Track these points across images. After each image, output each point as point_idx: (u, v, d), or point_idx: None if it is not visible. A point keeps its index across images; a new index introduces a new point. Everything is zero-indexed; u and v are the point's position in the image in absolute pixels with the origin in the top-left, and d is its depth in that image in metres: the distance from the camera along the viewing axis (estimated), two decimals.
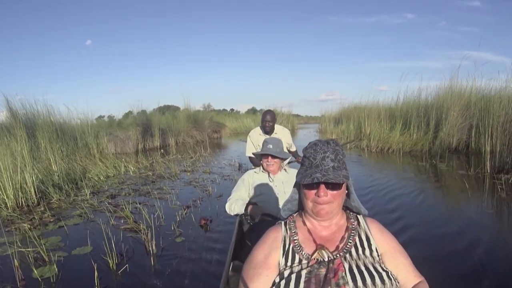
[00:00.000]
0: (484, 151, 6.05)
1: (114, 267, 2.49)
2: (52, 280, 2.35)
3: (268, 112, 3.50)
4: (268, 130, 3.46)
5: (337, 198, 0.95)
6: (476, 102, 7.65)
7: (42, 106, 8.76)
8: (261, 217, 2.02)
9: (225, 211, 2.23)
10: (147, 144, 11.91)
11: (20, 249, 2.76)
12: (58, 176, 5.41)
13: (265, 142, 2.28)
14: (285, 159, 2.51)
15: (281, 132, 3.57)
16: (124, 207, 3.95)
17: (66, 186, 5.08)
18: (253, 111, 33.50)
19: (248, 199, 2.24)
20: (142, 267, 2.53)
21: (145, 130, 11.97)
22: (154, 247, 2.77)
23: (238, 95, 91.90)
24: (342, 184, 0.95)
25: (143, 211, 3.64)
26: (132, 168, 6.90)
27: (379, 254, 0.95)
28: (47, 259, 2.64)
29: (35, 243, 2.83)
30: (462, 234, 2.95)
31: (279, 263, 0.94)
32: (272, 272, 0.93)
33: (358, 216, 1.04)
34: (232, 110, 35.86)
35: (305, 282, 0.87)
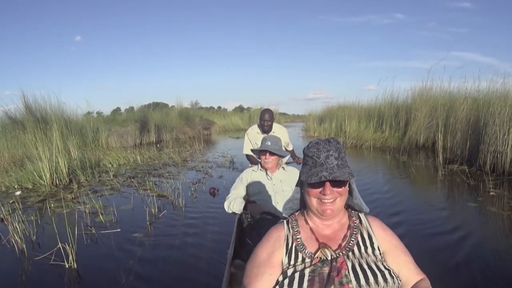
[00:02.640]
0: (437, 145, 7.33)
1: (156, 213, 3.63)
2: (113, 221, 3.45)
3: (267, 111, 3.50)
4: (266, 129, 3.47)
5: (342, 195, 0.96)
6: (443, 104, 8.52)
7: (56, 102, 9.95)
8: (261, 215, 2.05)
9: (228, 185, 2.85)
10: (144, 139, 12.82)
11: (79, 207, 3.80)
12: (80, 162, 6.39)
13: (264, 139, 2.28)
14: (283, 157, 2.49)
15: (279, 131, 3.58)
16: (146, 183, 5.01)
17: (88, 170, 6.06)
18: (240, 109, 34.11)
19: (246, 197, 2.29)
20: (174, 214, 3.68)
21: (143, 126, 12.86)
22: (180, 203, 3.93)
23: (225, 92, 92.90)
24: (347, 181, 0.97)
25: (164, 183, 4.70)
26: (139, 157, 7.90)
27: (381, 252, 0.96)
28: (103, 212, 3.70)
29: (91, 203, 3.88)
30: (398, 200, 4.15)
31: (282, 262, 0.95)
32: (275, 271, 0.93)
33: (360, 214, 1.05)
34: (219, 107, 36.66)
35: (308, 280, 0.87)
